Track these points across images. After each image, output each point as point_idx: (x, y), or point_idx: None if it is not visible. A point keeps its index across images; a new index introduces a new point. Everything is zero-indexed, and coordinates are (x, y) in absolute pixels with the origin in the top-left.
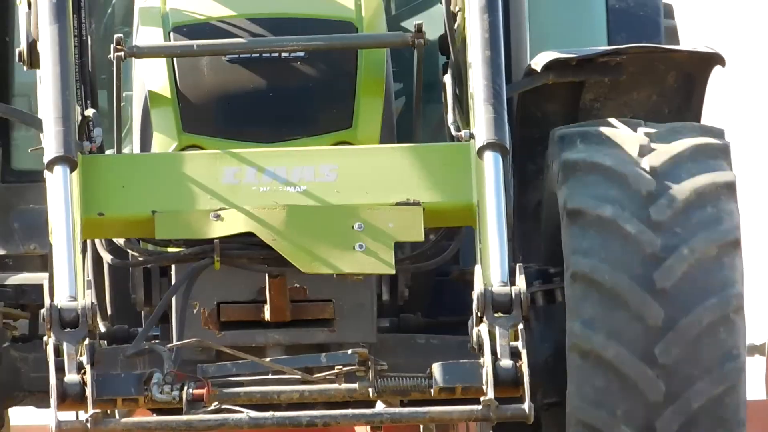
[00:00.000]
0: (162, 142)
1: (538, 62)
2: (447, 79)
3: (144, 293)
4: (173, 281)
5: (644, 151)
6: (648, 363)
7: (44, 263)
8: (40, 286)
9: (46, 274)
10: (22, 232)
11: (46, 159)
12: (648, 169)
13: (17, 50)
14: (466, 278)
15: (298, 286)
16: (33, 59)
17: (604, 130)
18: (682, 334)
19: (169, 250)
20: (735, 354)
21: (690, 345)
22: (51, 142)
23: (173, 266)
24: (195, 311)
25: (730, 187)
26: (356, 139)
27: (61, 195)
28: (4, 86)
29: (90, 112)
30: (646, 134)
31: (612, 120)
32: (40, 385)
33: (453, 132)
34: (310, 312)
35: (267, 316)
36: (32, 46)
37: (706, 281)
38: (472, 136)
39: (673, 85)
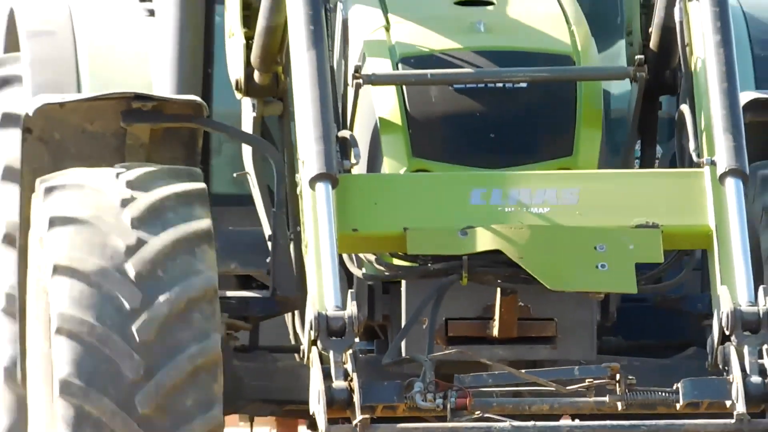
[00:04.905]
0: (392, 165)
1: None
2: (685, 108)
3: (370, 309)
4: (404, 298)
5: None
6: None
7: (242, 282)
8: (262, 300)
9: (252, 293)
10: (223, 252)
11: (307, 176)
12: None
13: (234, 79)
14: (668, 305)
15: (522, 304)
16: (249, 88)
17: None
18: None
19: (396, 263)
20: None
21: None
22: (313, 161)
23: (403, 282)
24: (424, 326)
25: None
26: (577, 165)
27: (324, 210)
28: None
29: (346, 133)
30: None
31: None
32: (260, 394)
33: (694, 158)
34: (534, 330)
35: (495, 332)
36: (249, 75)
37: None
38: (713, 163)
39: None
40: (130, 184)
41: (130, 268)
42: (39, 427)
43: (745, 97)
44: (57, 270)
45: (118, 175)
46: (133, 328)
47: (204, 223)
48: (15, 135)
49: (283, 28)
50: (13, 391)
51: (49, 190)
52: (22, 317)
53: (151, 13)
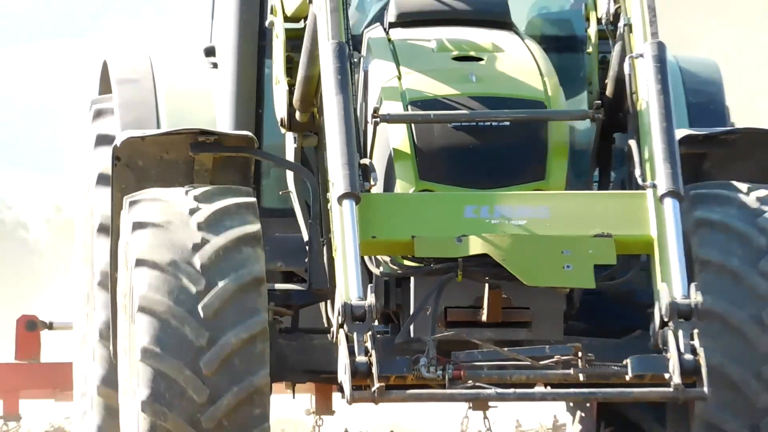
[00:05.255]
0: (403, 186)
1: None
2: (632, 143)
3: (385, 299)
4: (413, 292)
5: (758, 211)
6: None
7: (286, 277)
8: (301, 292)
9: (294, 285)
10: (270, 253)
11: (336, 194)
12: (762, 227)
13: (279, 118)
14: (620, 296)
15: (504, 296)
16: (291, 125)
17: (725, 192)
18: None
19: (406, 263)
20: None
21: None
22: (340, 182)
23: (412, 278)
24: (428, 313)
25: None
26: (548, 187)
27: (349, 221)
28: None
29: (366, 161)
30: (758, 198)
31: (732, 183)
32: (300, 366)
33: (640, 182)
34: (513, 316)
35: (484, 318)
36: (291, 115)
37: None
38: (654, 186)
39: None
40: (197, 198)
41: (196, 261)
42: (125, 384)
43: (680, 133)
44: (139, 263)
45: (187, 192)
46: (198, 307)
47: (254, 228)
48: (106, 151)
49: (317, 77)
50: (106, 347)
51: (133, 203)
52: (113, 300)
53: (215, 65)
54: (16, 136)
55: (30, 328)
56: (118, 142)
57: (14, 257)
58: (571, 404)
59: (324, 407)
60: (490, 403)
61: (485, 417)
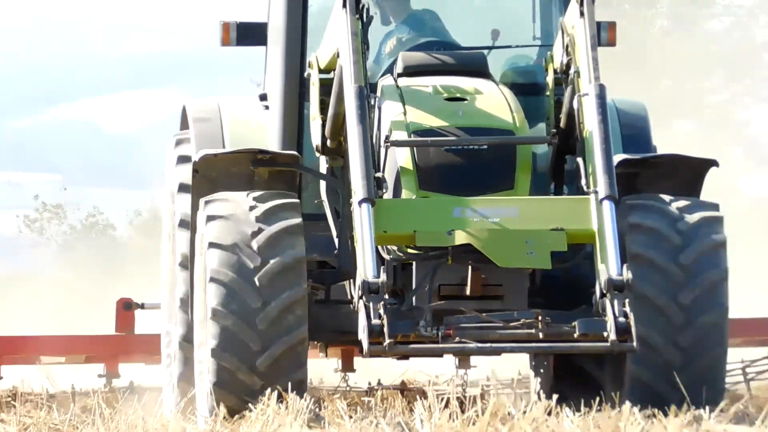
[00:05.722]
0: (407, 194)
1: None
2: (579, 160)
3: (393, 279)
4: (414, 273)
5: (678, 218)
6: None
7: (320, 265)
8: (332, 272)
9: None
10: (308, 247)
11: (356, 199)
12: (679, 230)
13: (315, 145)
14: (571, 279)
15: (483, 276)
16: (324, 150)
17: (653, 203)
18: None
19: (409, 251)
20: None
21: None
22: (360, 190)
23: (414, 262)
24: (426, 289)
25: (724, 245)
26: (516, 194)
27: (366, 219)
28: None
29: (379, 174)
30: (678, 208)
31: (659, 195)
32: (331, 328)
33: (585, 189)
34: (490, 291)
35: (468, 292)
36: (324, 142)
37: (709, 299)
38: (596, 192)
39: (686, 176)
40: (255, 199)
41: (254, 244)
42: (199, 338)
43: (618, 157)
44: (210, 245)
45: (248, 194)
46: (255, 278)
47: (297, 221)
48: (185, 167)
49: (343, 114)
50: (185, 313)
51: (207, 202)
52: (191, 275)
53: (267, 107)
54: (110, 162)
55: (127, 307)
56: (197, 158)
57: (104, 250)
58: (533, 362)
59: (348, 366)
60: (472, 364)
61: (465, 373)
